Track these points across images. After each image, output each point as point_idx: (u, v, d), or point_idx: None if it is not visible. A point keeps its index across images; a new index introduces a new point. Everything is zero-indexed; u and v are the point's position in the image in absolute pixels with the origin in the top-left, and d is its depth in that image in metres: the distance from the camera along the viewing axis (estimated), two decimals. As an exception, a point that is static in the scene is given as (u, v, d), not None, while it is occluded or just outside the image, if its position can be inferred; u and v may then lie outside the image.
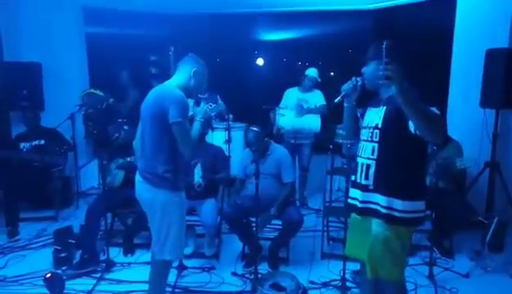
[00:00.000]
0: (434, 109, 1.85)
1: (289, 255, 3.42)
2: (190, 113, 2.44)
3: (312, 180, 4.88)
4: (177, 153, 2.31)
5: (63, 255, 3.29)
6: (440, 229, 3.55)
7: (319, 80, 4.77)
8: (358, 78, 2.11)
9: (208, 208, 3.35)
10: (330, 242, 3.74)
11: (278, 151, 3.46)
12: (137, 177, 2.40)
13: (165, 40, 5.83)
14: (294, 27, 6.14)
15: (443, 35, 4.53)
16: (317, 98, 4.75)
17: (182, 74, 2.39)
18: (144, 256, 3.48)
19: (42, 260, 3.34)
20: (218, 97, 5.03)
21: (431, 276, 3.08)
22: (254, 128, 3.39)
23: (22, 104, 4.62)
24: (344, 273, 2.90)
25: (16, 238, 3.85)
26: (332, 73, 6.37)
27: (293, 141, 4.71)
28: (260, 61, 6.44)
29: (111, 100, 4.83)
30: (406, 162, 1.94)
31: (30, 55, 4.82)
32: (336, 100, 2.17)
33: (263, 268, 3.24)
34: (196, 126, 2.41)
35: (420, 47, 4.65)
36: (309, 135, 4.69)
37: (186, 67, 2.38)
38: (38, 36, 4.92)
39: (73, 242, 3.45)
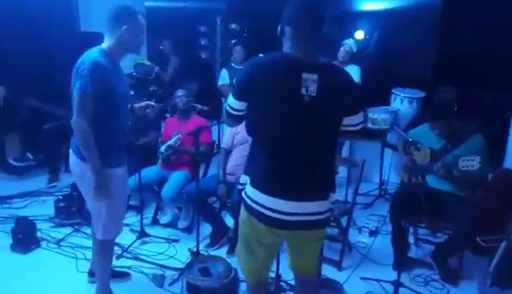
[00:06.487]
0: None
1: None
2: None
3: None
4: (100, 127, 2.03)
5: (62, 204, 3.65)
6: (447, 244, 2.81)
7: (354, 50, 4.18)
8: None
9: (172, 180, 3.28)
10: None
11: None
12: (70, 150, 2.19)
13: (217, 12, 5.81)
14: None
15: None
16: (353, 74, 4.13)
17: (110, 34, 2.14)
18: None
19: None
20: None
21: (399, 298, 2.47)
22: None
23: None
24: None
25: (53, 184, 4.42)
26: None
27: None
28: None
29: (157, 68, 5.08)
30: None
31: (97, 25, 5.34)
32: None
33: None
34: None
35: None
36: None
37: (114, 24, 2.13)
38: (104, 8, 5.41)
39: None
